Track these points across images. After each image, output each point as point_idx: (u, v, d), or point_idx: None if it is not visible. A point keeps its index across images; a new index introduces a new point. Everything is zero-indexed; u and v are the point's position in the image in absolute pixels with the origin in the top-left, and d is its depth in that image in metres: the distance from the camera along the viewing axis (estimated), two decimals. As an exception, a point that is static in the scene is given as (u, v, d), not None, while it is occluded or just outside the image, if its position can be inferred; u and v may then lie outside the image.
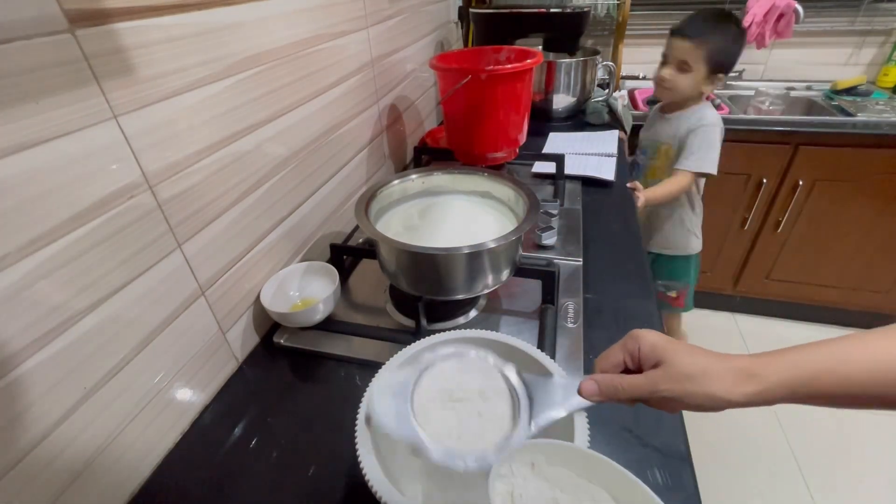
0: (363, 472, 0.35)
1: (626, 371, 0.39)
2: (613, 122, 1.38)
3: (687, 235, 1.26)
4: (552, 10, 1.29)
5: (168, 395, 0.50)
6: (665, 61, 1.10)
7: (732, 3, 1.69)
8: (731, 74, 1.76)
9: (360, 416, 0.39)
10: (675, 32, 1.06)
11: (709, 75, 1.05)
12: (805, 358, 0.33)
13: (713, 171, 1.08)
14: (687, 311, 1.39)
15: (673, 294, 1.36)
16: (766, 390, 0.33)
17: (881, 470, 1.30)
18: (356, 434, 0.37)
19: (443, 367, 0.42)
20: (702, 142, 1.08)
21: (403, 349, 0.45)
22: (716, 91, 1.74)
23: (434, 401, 0.40)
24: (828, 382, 0.32)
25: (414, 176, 0.74)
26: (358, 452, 0.36)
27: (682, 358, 0.35)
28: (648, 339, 0.37)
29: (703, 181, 1.20)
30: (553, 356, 0.59)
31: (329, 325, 0.65)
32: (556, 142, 1.25)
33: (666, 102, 1.18)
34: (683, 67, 1.05)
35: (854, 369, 0.32)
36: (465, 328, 0.63)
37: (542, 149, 1.20)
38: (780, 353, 0.34)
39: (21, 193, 0.34)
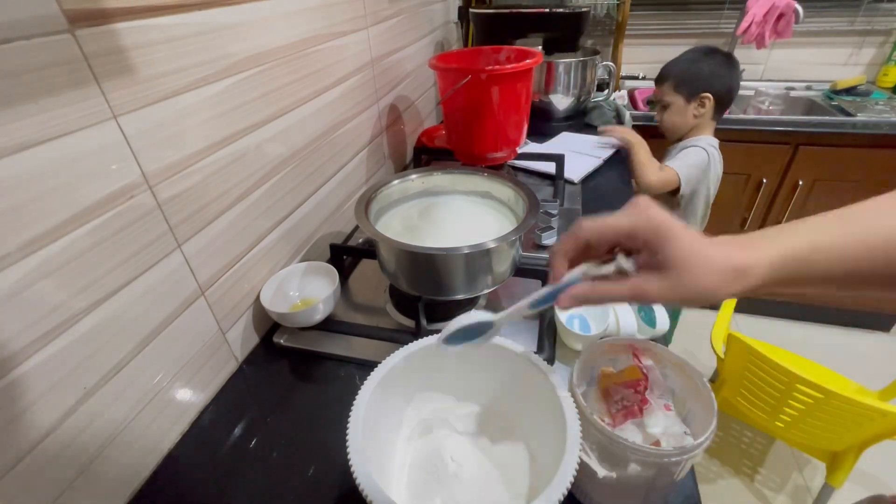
0: (355, 477, 0.34)
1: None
2: (618, 124, 1.37)
3: None
4: (552, 10, 1.29)
5: (168, 395, 0.51)
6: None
7: (732, 3, 1.69)
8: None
9: (352, 420, 0.38)
10: (655, 83, 1.17)
11: (689, 101, 1.10)
12: (797, 241, 0.31)
13: (677, 180, 1.08)
14: None
15: None
16: (757, 287, 0.31)
17: (882, 469, 1.30)
18: (347, 439, 0.37)
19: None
20: (686, 154, 1.10)
21: (379, 365, 0.43)
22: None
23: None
24: (824, 262, 0.31)
25: (414, 176, 0.74)
26: (350, 458, 0.36)
27: (687, 251, 0.31)
28: (636, 226, 0.32)
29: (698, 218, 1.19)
30: (553, 357, 0.59)
31: (329, 325, 0.65)
32: (558, 142, 1.25)
33: (673, 139, 1.21)
34: (664, 106, 1.15)
35: (850, 244, 0.30)
36: (465, 328, 0.64)
37: (542, 148, 1.20)
38: (772, 241, 0.32)
39: (21, 193, 0.34)
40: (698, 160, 1.10)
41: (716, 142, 1.13)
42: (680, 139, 1.17)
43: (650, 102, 1.69)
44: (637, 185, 1.12)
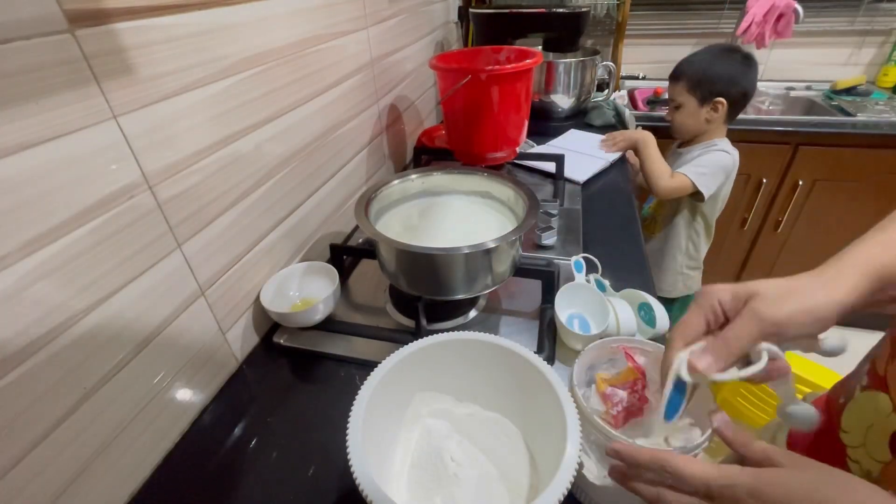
0: (355, 477, 0.34)
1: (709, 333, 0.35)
2: (618, 124, 1.37)
3: (674, 276, 1.24)
4: (552, 10, 1.29)
5: (168, 395, 0.50)
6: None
7: (732, 3, 1.69)
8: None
9: (352, 420, 0.38)
10: (669, 80, 1.13)
11: (702, 104, 1.07)
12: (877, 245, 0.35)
13: (704, 190, 1.05)
14: None
15: None
16: (854, 285, 0.33)
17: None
18: (347, 439, 0.37)
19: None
20: (708, 160, 1.08)
21: (379, 365, 0.43)
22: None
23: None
24: None
25: (414, 176, 0.74)
26: (350, 458, 0.36)
27: (771, 283, 0.33)
28: (724, 287, 0.35)
29: (700, 224, 1.18)
30: (553, 357, 0.59)
31: (329, 325, 0.65)
32: (565, 140, 1.24)
33: (683, 140, 1.19)
34: (676, 105, 1.11)
35: None
36: (465, 328, 0.64)
37: (547, 146, 1.20)
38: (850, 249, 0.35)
39: (21, 193, 0.34)
40: (722, 164, 1.07)
41: (728, 143, 1.11)
42: (690, 141, 1.15)
43: (650, 102, 1.69)
44: (647, 185, 1.10)
